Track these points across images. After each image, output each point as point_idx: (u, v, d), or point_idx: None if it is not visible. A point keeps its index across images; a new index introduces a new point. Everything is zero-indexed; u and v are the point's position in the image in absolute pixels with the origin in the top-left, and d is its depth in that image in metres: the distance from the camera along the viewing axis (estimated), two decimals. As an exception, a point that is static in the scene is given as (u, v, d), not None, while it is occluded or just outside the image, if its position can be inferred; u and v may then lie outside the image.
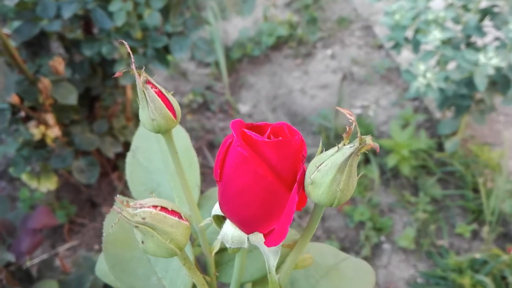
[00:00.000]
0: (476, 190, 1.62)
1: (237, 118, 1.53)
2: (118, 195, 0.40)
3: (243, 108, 2.06)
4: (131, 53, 0.27)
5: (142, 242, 0.26)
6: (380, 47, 2.28)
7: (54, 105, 1.27)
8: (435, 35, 1.32)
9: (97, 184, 1.72)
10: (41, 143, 1.33)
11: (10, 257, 1.02)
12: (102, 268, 0.43)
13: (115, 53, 1.31)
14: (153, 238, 0.26)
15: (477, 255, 1.44)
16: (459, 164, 1.67)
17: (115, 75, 0.26)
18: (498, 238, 1.53)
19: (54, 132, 1.24)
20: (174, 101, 0.31)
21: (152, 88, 0.30)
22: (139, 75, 0.29)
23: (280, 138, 0.27)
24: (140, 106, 0.30)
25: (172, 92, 0.31)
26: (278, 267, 0.35)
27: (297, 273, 0.38)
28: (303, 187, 0.28)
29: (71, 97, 1.19)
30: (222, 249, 0.41)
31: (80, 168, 1.33)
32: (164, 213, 0.26)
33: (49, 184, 1.42)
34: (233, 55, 2.24)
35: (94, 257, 1.44)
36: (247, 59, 2.29)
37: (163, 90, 0.30)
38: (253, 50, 2.26)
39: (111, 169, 1.70)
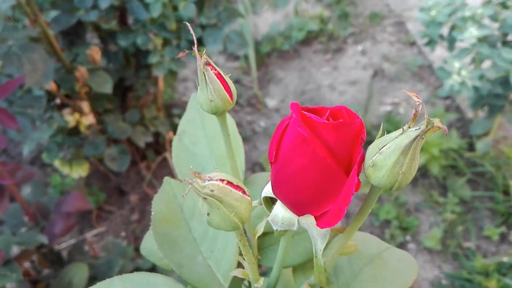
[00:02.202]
0: (506, 193, 1.59)
1: (265, 112, 1.53)
2: (165, 177, 0.41)
3: (271, 102, 2.07)
4: (192, 31, 0.28)
5: (208, 214, 0.27)
6: (413, 43, 2.25)
7: (89, 94, 1.29)
8: (472, 32, 1.30)
9: (126, 173, 1.75)
10: (74, 131, 1.36)
11: (44, 239, 1.05)
12: (148, 246, 0.44)
13: (150, 44, 1.33)
14: (219, 210, 0.26)
15: (505, 259, 1.41)
16: (490, 165, 1.64)
17: (178, 56, 0.27)
18: (528, 242, 1.50)
19: (89, 119, 1.26)
20: (231, 84, 0.32)
21: (211, 70, 0.30)
22: (200, 56, 0.29)
23: (340, 120, 0.27)
24: (199, 87, 0.31)
25: (230, 74, 0.32)
26: (322, 253, 0.35)
27: (340, 260, 0.38)
28: (359, 171, 0.28)
29: (107, 86, 1.21)
30: (265, 233, 0.41)
31: (112, 156, 1.36)
32: (230, 187, 0.27)
33: (81, 171, 1.46)
34: (262, 49, 2.25)
35: (123, 244, 1.47)
36: (276, 54, 2.29)
37: (222, 72, 0.31)
38: (282, 44, 2.26)
39: (140, 159, 1.73)
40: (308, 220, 0.31)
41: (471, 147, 1.73)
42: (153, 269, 1.15)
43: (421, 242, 1.52)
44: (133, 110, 1.44)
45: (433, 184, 1.67)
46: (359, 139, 0.28)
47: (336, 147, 0.27)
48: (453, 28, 1.42)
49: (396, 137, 0.26)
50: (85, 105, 1.26)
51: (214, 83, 0.30)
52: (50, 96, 1.32)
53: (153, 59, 1.31)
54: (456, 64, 1.32)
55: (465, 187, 1.63)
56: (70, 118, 1.30)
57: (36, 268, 1.16)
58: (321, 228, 0.29)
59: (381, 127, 0.27)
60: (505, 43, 1.41)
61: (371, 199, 0.29)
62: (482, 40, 1.34)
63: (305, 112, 0.27)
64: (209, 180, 0.26)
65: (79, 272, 1.02)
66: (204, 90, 0.31)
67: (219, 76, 0.31)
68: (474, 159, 1.68)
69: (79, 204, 1.05)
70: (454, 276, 1.42)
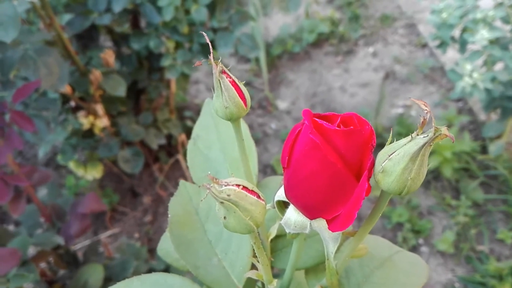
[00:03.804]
0: (520, 196, 1.58)
1: (276, 114, 1.53)
2: (181, 181, 0.42)
3: (282, 104, 2.07)
4: (209, 42, 0.29)
5: (224, 217, 0.28)
6: (424, 46, 2.24)
7: (103, 96, 1.31)
8: (483, 35, 1.30)
9: (139, 175, 1.77)
10: (89, 133, 1.38)
11: (60, 240, 1.07)
12: (165, 248, 0.45)
13: (162, 47, 1.34)
14: (235, 214, 0.28)
15: (519, 262, 1.40)
16: (503, 168, 1.63)
17: (195, 65, 0.28)
18: (542, 245, 1.48)
19: (103, 122, 1.29)
20: (245, 91, 0.33)
21: (226, 78, 0.31)
22: (216, 65, 0.30)
23: (351, 127, 0.28)
24: (214, 94, 0.32)
25: (244, 82, 0.33)
26: (334, 256, 0.36)
27: (351, 263, 0.39)
28: (370, 176, 0.29)
29: (120, 89, 1.23)
30: (278, 236, 0.42)
31: (125, 158, 1.38)
32: (246, 192, 0.28)
33: (95, 172, 1.48)
34: (273, 52, 2.26)
35: (136, 245, 1.49)
36: (287, 56, 2.30)
37: (236, 80, 0.32)
38: (293, 46, 2.26)
39: (153, 161, 1.75)
40: (320, 224, 0.32)
41: (484, 150, 1.71)
42: (167, 270, 1.16)
43: (434, 245, 1.51)
44: (146, 112, 1.46)
45: (445, 187, 1.67)
46: (369, 145, 0.28)
47: (346, 153, 0.28)
48: (464, 30, 1.41)
49: (405, 144, 0.27)
50: (99, 108, 1.28)
51: (229, 91, 0.32)
52: (65, 99, 1.34)
53: (165, 62, 1.32)
54: (468, 67, 1.31)
55: (478, 190, 1.62)
56: (84, 121, 1.32)
57: (52, 268, 1.18)
58: (333, 232, 0.30)
59: (391, 134, 0.28)
60: (517, 45, 1.41)
61: (382, 203, 0.30)
62: (493, 42, 1.34)
63: (316, 119, 0.28)
64: (226, 185, 0.27)
65: (94, 272, 1.03)
66: (219, 97, 0.32)
67: (233, 83, 0.32)
68: (487, 161, 1.67)
69: (94, 205, 1.06)
70: (467, 280, 1.42)
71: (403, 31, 2.35)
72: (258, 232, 0.42)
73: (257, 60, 2.20)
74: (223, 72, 0.31)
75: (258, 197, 0.28)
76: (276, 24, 2.45)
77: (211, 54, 0.29)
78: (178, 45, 1.38)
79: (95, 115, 1.31)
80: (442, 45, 1.51)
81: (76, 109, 1.39)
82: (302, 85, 2.15)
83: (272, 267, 0.44)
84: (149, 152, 1.70)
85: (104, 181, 1.77)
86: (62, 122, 1.39)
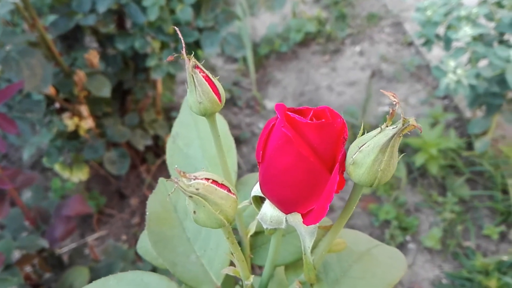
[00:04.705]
0: (505, 192, 1.59)
1: (264, 114, 1.54)
2: (160, 178, 0.42)
3: (270, 104, 2.07)
4: (181, 35, 0.28)
5: (194, 212, 0.28)
6: (410, 44, 2.26)
7: (88, 97, 1.30)
8: (466, 31, 1.31)
9: (126, 176, 1.76)
10: (74, 134, 1.37)
11: (44, 243, 1.06)
12: (144, 246, 0.45)
13: (148, 48, 1.34)
14: (205, 208, 0.27)
15: (505, 257, 1.41)
16: (488, 165, 1.64)
17: (168, 59, 0.28)
18: (527, 240, 1.50)
19: (88, 123, 1.27)
20: (219, 86, 0.32)
21: (200, 73, 0.31)
22: (189, 60, 0.30)
23: (322, 120, 0.28)
24: (188, 90, 0.32)
25: (218, 77, 0.33)
26: (311, 251, 0.36)
27: (330, 257, 0.39)
28: (343, 170, 0.29)
29: (105, 90, 1.22)
30: (257, 232, 0.42)
31: (111, 159, 1.37)
32: (215, 186, 0.28)
33: (81, 175, 1.47)
34: (260, 51, 2.26)
35: (123, 247, 1.48)
36: (274, 55, 2.30)
37: (210, 75, 0.32)
38: (281, 46, 2.27)
39: (140, 162, 1.74)
40: (296, 218, 0.32)
41: (469, 147, 1.73)
42: (153, 271, 1.15)
43: (421, 242, 1.52)
44: (132, 113, 1.45)
45: (432, 184, 1.68)
46: (341, 138, 0.28)
47: (319, 146, 0.28)
48: (449, 28, 1.43)
49: (375, 136, 0.27)
50: (84, 109, 1.27)
51: (202, 86, 0.31)
52: (49, 100, 1.33)
53: (151, 62, 1.32)
54: (452, 63, 1.32)
55: (464, 187, 1.64)
56: (69, 122, 1.31)
57: (37, 272, 1.17)
58: (307, 225, 0.30)
59: (361, 126, 0.28)
60: (501, 42, 1.42)
61: (355, 196, 0.30)
62: (477, 39, 1.35)
63: (289, 113, 0.28)
64: (194, 179, 0.26)
65: (80, 275, 1.03)
66: (193, 93, 0.32)
67: (207, 78, 0.32)
68: (473, 158, 1.69)
69: (79, 207, 1.06)
70: (454, 276, 1.43)
71: (390, 30, 2.37)
72: (236, 228, 0.42)
73: (244, 60, 2.20)
74: (196, 67, 0.31)
75: (229, 191, 0.28)
76: (263, 24, 2.46)
77: (184, 48, 0.29)
78: (164, 45, 1.38)
79: (80, 116, 1.30)
80: (427, 43, 1.52)
81: (61, 110, 1.37)
82: (290, 85, 2.15)
83: (254, 265, 0.44)
84: (136, 153, 1.69)
85: (90, 183, 1.75)
86: (47, 124, 1.38)
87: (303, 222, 0.30)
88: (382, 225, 1.59)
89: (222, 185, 0.28)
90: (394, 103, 0.25)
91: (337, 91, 2.08)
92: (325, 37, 2.35)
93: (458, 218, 1.56)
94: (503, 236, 1.52)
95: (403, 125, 0.25)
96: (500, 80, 1.38)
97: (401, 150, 1.73)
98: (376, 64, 2.18)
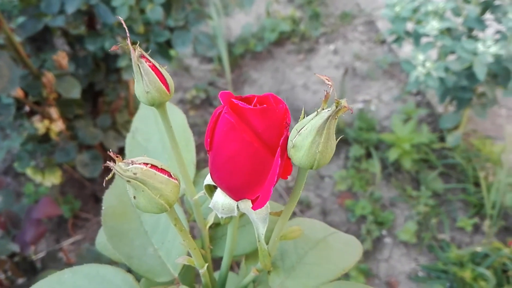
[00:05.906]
0: (477, 184, 1.63)
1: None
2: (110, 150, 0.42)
3: (246, 103, 2.08)
4: (124, 24, 0.28)
5: (134, 197, 0.28)
6: (383, 42, 2.29)
7: (58, 100, 1.28)
8: (433, 25, 1.33)
9: (101, 179, 1.74)
10: (45, 138, 1.35)
11: (15, 247, 1.04)
12: (102, 241, 0.44)
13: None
14: (144, 193, 0.27)
15: (478, 249, 1.44)
16: (460, 158, 1.68)
17: (112, 49, 0.28)
18: (499, 231, 1.53)
19: (58, 126, 1.26)
20: (167, 75, 0.32)
21: (146, 62, 0.31)
22: (134, 49, 0.30)
23: (264, 105, 0.28)
24: (135, 80, 0.32)
25: (166, 67, 0.33)
26: (268, 240, 0.36)
27: (286, 244, 0.39)
28: (288, 154, 0.29)
29: (75, 91, 1.21)
30: (217, 224, 0.42)
31: (83, 162, 1.35)
32: (154, 170, 0.28)
33: (53, 178, 1.44)
34: (236, 51, 2.26)
35: (97, 249, 1.46)
36: (250, 55, 2.31)
37: (157, 64, 0.32)
38: (256, 46, 2.27)
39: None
40: (247, 205, 0.32)
41: (442, 142, 1.76)
42: (129, 272, 1.14)
43: (397, 236, 1.54)
44: (104, 115, 1.43)
45: (406, 178, 1.70)
46: (283, 123, 0.29)
47: (264, 132, 0.28)
48: (418, 23, 1.45)
49: (312, 119, 0.27)
50: (54, 111, 1.25)
51: (149, 75, 0.31)
52: (19, 103, 1.30)
53: (122, 63, 1.31)
54: (420, 57, 1.35)
55: (438, 180, 1.67)
56: (40, 125, 1.29)
57: (9, 277, 1.15)
58: (255, 210, 0.30)
59: (303, 111, 0.28)
60: (469, 38, 1.45)
61: (300, 180, 0.30)
62: (444, 33, 1.38)
63: (233, 100, 0.28)
64: (131, 164, 0.26)
65: (51, 279, 1.01)
66: (140, 82, 0.32)
67: (154, 68, 0.31)
68: (445, 152, 1.72)
69: (49, 210, 1.04)
70: (430, 268, 1.45)
71: (363, 28, 2.40)
72: (188, 219, 0.42)
73: (220, 60, 2.20)
74: (142, 56, 0.31)
75: (170, 175, 0.28)
76: (238, 23, 2.46)
77: (128, 39, 0.29)
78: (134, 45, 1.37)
79: (50, 119, 1.28)
80: (398, 40, 1.55)
81: (31, 113, 1.35)
82: (266, 84, 2.16)
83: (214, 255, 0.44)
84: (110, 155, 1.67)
85: (65, 187, 1.73)
86: (17, 127, 1.35)
87: (252, 207, 0.31)
88: (358, 220, 1.61)
89: (162, 170, 0.28)
90: (329, 86, 0.25)
91: (313, 90, 2.10)
92: (299, 36, 2.37)
93: (432, 211, 1.58)
94: (476, 228, 1.55)
95: (336, 107, 0.26)
96: (469, 74, 1.41)
97: (375, 146, 1.76)
98: (350, 62, 2.20)
